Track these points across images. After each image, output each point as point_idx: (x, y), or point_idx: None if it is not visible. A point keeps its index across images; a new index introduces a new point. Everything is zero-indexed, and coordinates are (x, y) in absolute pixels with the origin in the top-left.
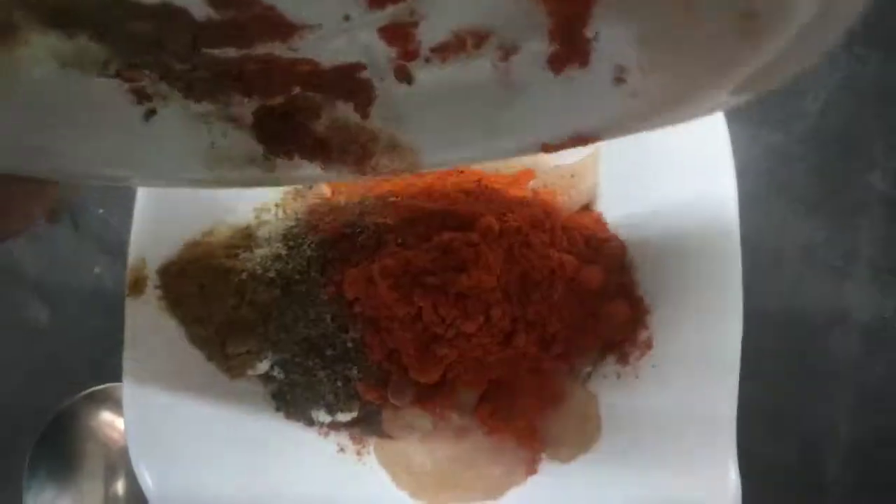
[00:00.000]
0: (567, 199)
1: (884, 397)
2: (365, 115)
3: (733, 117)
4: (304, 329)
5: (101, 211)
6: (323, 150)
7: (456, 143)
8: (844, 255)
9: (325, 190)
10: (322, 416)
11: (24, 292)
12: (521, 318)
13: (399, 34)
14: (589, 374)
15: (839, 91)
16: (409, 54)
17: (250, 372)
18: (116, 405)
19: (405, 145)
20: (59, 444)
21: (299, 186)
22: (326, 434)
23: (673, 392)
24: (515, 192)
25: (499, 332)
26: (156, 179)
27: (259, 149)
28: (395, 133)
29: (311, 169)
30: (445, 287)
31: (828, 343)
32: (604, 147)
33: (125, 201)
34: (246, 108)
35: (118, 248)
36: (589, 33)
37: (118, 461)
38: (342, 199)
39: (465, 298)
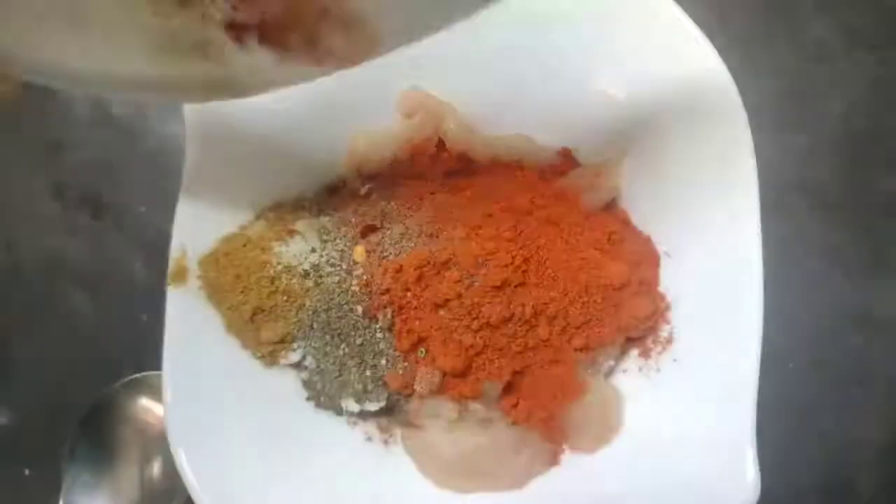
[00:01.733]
0: (592, 197)
1: None
2: None
3: (757, 118)
4: (334, 319)
5: (143, 209)
6: (275, 32)
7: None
8: (867, 255)
9: (358, 187)
10: (351, 406)
11: (69, 285)
12: (544, 308)
13: None
14: (611, 368)
15: (864, 93)
16: None
17: (283, 361)
18: (153, 392)
19: (357, 18)
20: (97, 429)
21: (329, 180)
22: (354, 423)
23: (693, 387)
24: (543, 186)
25: (522, 322)
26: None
27: (210, 34)
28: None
29: (265, 60)
30: (471, 278)
31: (851, 342)
32: (630, 148)
33: (166, 200)
34: None
35: (158, 245)
36: None
37: (154, 446)
38: (374, 196)
39: (490, 288)
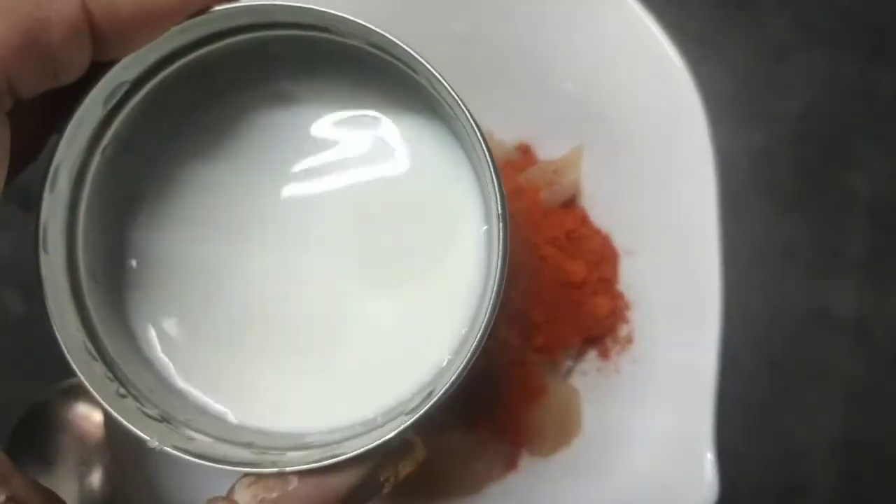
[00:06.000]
0: (550, 195)
1: (864, 395)
2: None
3: (716, 115)
4: None
5: None
6: None
7: None
8: (826, 253)
9: None
10: None
11: None
12: (503, 308)
13: None
14: (570, 369)
15: (822, 91)
16: None
17: None
18: (92, 398)
19: None
20: (32, 439)
21: None
22: None
23: (652, 388)
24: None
25: None
26: None
27: None
28: None
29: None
30: None
31: (808, 341)
32: (589, 144)
33: None
34: None
35: None
36: None
37: (93, 455)
38: None
39: None
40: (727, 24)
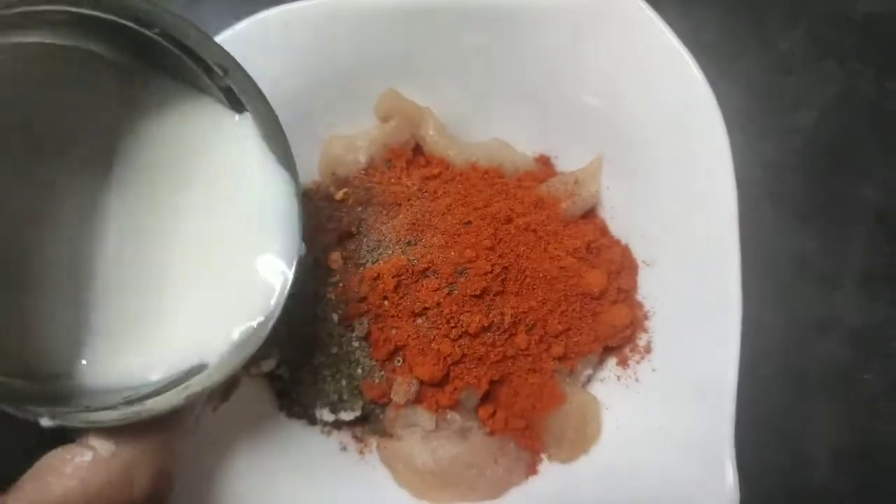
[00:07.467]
0: (570, 205)
1: (873, 402)
2: None
3: (730, 127)
4: (310, 328)
5: None
6: None
7: None
8: (836, 264)
9: (333, 191)
10: (325, 415)
11: None
12: (523, 317)
13: None
14: (590, 378)
15: (833, 105)
16: None
17: (254, 371)
18: None
19: None
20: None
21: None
22: (329, 433)
23: (671, 396)
24: (522, 193)
25: (501, 331)
26: None
27: None
28: None
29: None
30: (450, 286)
31: (819, 350)
32: (608, 156)
33: None
34: None
35: None
36: None
37: None
38: (350, 200)
39: (469, 297)
40: (741, 38)
